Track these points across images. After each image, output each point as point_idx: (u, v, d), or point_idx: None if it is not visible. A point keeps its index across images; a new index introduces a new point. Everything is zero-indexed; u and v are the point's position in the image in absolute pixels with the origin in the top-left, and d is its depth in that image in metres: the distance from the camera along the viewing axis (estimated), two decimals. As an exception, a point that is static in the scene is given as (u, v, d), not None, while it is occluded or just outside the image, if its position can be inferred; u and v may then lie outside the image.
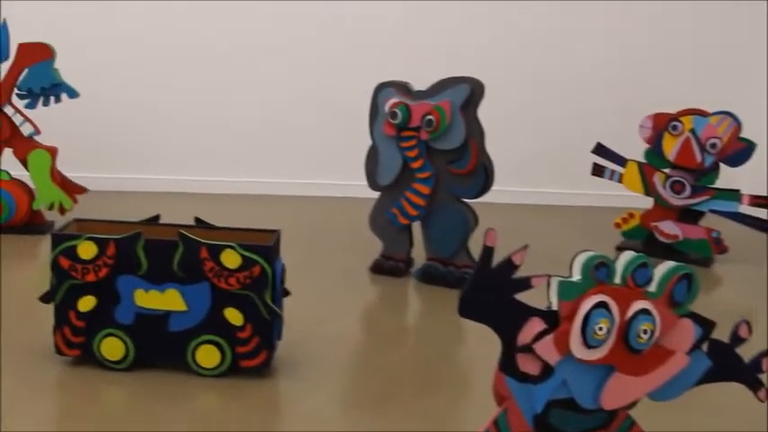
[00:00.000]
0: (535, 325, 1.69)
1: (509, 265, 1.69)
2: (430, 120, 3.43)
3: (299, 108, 5.30)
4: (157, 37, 5.21)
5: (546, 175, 5.43)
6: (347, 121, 4.96)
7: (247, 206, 5.00)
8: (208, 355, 2.55)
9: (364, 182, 3.74)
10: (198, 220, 2.68)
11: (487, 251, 1.68)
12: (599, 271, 1.66)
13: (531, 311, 1.71)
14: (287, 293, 2.70)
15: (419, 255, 3.73)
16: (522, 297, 1.70)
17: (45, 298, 2.60)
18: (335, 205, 5.09)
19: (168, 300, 2.51)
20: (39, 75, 4.09)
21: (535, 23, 5.29)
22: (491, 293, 1.69)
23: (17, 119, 4.14)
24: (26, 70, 4.09)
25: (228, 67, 5.27)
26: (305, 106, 5.30)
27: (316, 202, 5.18)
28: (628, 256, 1.70)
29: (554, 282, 1.70)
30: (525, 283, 1.70)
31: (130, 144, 5.32)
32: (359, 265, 3.81)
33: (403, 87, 3.60)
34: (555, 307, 1.69)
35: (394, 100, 3.54)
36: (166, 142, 5.34)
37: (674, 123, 4.06)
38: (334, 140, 5.26)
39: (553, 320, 1.69)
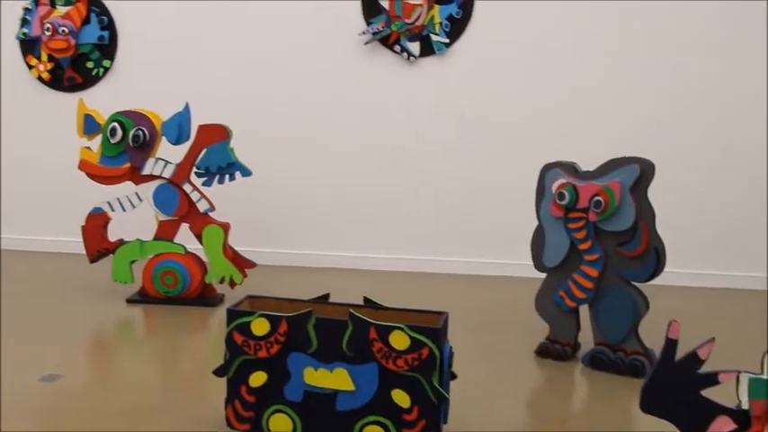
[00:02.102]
0: (724, 424, 1.59)
1: (694, 360, 1.61)
2: (599, 201, 3.36)
3: (465, 187, 5.34)
4: (328, 121, 5.40)
5: (720, 257, 5.20)
6: (514, 201, 4.95)
7: (414, 284, 5.04)
8: (373, 436, 2.54)
9: (530, 262, 3.68)
10: (367, 299, 2.70)
11: (671, 344, 1.61)
12: (795, 370, 1.56)
13: (719, 409, 1.61)
14: (454, 377, 2.67)
15: (586, 339, 3.62)
16: (707, 393, 1.61)
17: (219, 372, 2.66)
18: (501, 285, 5.06)
19: (337, 379, 2.52)
20: (216, 154, 4.28)
21: (703, 107, 5.14)
22: (675, 389, 1.61)
23: (194, 195, 4.34)
24: (204, 150, 4.30)
25: (396, 147, 5.38)
26: (471, 185, 5.33)
27: (481, 281, 5.16)
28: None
29: (744, 378, 1.60)
30: (712, 379, 1.61)
31: (298, 220, 5.48)
32: (524, 348, 3.74)
33: (570, 168, 3.55)
34: (745, 405, 1.59)
35: (561, 181, 3.49)
36: (333, 219, 5.48)
37: None
38: (500, 219, 5.25)
39: (743, 420, 1.59)
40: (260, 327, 2.55)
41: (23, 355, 3.56)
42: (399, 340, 2.44)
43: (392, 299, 2.79)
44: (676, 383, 1.61)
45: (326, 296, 2.75)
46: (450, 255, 5.39)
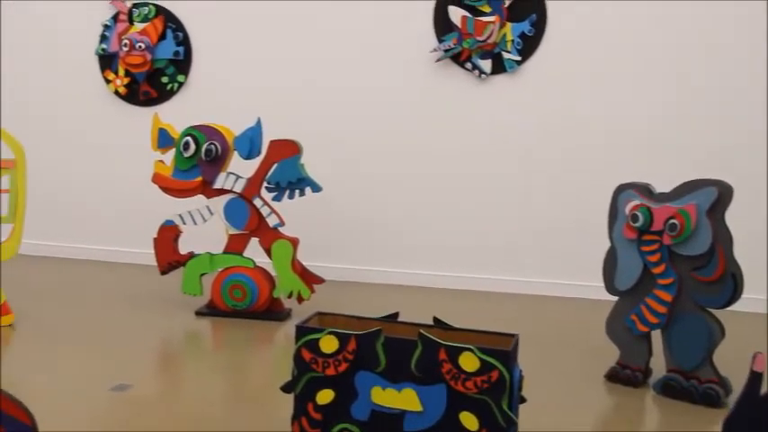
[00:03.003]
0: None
1: (781, 394, 1.55)
2: (674, 224, 3.29)
3: (535, 207, 5.28)
4: (398, 137, 5.41)
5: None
6: (586, 222, 4.88)
7: (482, 304, 5.01)
8: (440, 459, 2.51)
9: (602, 284, 3.61)
10: (436, 319, 2.67)
11: (755, 377, 1.56)
12: None
13: (806, 446, 1.55)
14: (523, 400, 2.62)
15: (658, 365, 3.53)
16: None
17: (286, 388, 2.66)
18: (571, 306, 4.99)
19: (404, 399, 2.50)
20: (287, 170, 4.31)
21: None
22: (760, 424, 1.55)
23: (264, 210, 4.37)
24: (275, 165, 4.33)
25: (466, 165, 5.35)
26: (541, 205, 5.28)
27: (551, 302, 5.10)
28: None
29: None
30: (799, 414, 1.55)
31: (367, 236, 5.49)
32: (594, 372, 3.66)
33: (645, 189, 3.48)
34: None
35: (635, 202, 3.43)
36: (402, 236, 5.47)
37: None
38: (571, 240, 5.18)
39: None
40: (329, 344, 2.55)
41: (95, 363, 3.62)
42: (469, 362, 2.41)
43: (461, 318, 2.76)
44: (761, 419, 1.55)
45: (396, 315, 2.74)
46: (519, 275, 5.33)
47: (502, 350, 2.42)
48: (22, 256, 4.28)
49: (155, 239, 4.51)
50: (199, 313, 4.49)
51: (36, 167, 4.34)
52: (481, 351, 2.41)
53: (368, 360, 2.52)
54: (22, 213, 4.07)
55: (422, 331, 2.48)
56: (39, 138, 5.34)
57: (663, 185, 3.46)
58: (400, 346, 2.50)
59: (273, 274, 4.47)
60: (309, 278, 4.47)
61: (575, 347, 4.11)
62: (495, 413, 2.42)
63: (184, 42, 5.73)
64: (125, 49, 5.69)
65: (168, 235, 4.50)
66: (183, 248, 4.53)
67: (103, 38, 5.82)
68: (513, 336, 2.58)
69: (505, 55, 5.24)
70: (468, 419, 2.45)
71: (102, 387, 3.29)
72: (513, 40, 5.22)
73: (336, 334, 2.54)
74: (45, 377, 3.45)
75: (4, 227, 4.08)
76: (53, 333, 4.09)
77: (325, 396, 2.59)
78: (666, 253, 3.37)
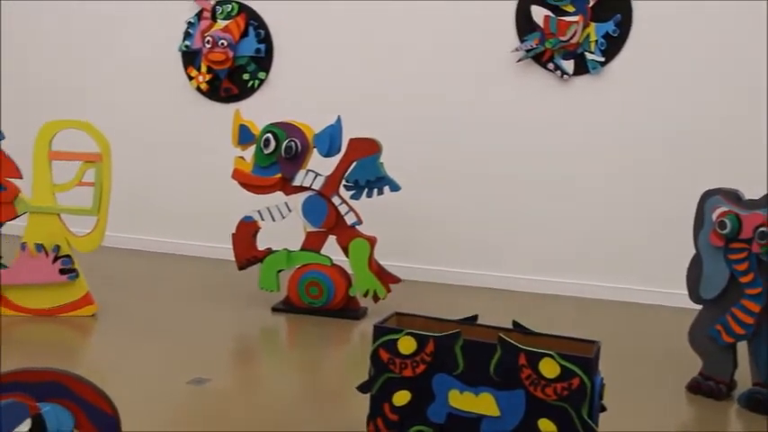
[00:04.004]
0: None
1: None
2: (764, 232, 3.18)
3: (618, 210, 5.17)
4: (478, 138, 5.36)
5: None
6: (670, 228, 4.78)
7: (562, 308, 4.93)
8: (516, 466, 2.47)
9: (685, 292, 3.51)
10: (516, 323, 2.63)
11: None
12: None
13: None
14: (603, 409, 2.57)
15: (743, 378, 3.42)
16: None
17: (363, 388, 2.65)
18: (653, 314, 4.87)
19: (482, 403, 2.47)
20: (366, 168, 4.31)
21: None
22: None
23: (343, 208, 4.38)
24: (354, 163, 4.33)
25: (546, 167, 5.27)
26: (624, 209, 5.16)
27: (632, 308, 4.99)
28: None
29: None
30: None
31: (445, 237, 5.46)
32: (675, 382, 3.56)
33: (733, 195, 3.37)
34: None
35: (723, 209, 3.32)
36: (481, 237, 5.42)
37: None
38: (654, 246, 5.06)
39: None
40: (407, 345, 2.53)
41: (173, 356, 3.67)
42: (549, 368, 2.37)
43: (540, 323, 2.71)
44: None
45: (475, 317, 2.71)
46: (600, 280, 5.22)
47: (583, 357, 2.37)
48: (105, 248, 4.37)
49: (233, 235, 4.56)
50: (275, 309, 4.52)
51: (120, 161, 4.41)
52: (562, 357, 2.36)
53: (446, 362, 2.50)
54: (105, 206, 4.15)
55: (501, 335, 2.45)
56: (123, 132, 5.43)
57: (752, 192, 3.35)
58: (479, 350, 2.47)
59: (350, 272, 4.47)
60: (386, 277, 4.46)
61: (655, 356, 4.01)
62: (575, 421, 2.38)
63: (266, 40, 5.78)
64: (208, 46, 5.76)
65: (247, 231, 4.54)
66: (261, 244, 4.56)
67: (187, 35, 5.91)
68: (594, 343, 2.53)
69: (589, 56, 5.14)
70: (546, 426, 2.41)
71: (180, 380, 3.33)
72: (596, 41, 5.12)
73: (415, 335, 2.53)
74: (124, 368, 3.51)
75: (88, 219, 4.17)
76: (133, 324, 4.17)
77: (401, 397, 2.58)
78: (755, 261, 3.26)
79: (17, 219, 4.16)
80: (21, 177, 4.11)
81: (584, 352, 2.45)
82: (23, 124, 4.59)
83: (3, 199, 4.09)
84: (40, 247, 4.11)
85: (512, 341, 2.42)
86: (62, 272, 4.15)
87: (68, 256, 4.16)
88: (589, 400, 2.38)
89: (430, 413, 2.55)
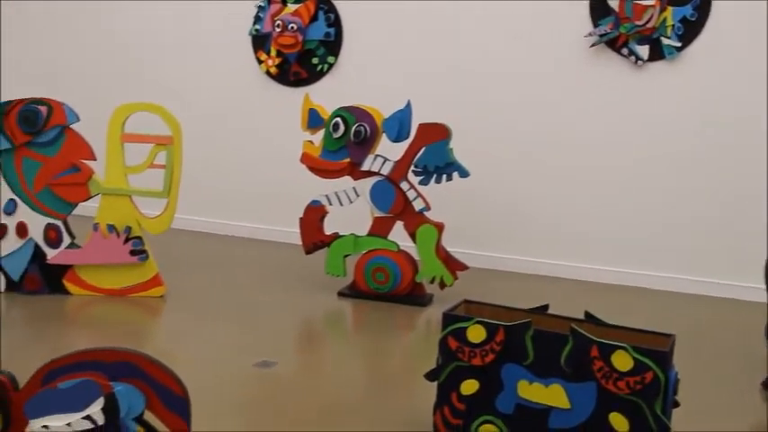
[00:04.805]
0: None
1: None
2: None
3: (693, 200, 5.02)
4: (549, 123, 5.27)
5: None
6: (747, 219, 4.63)
7: (635, 300, 4.82)
8: (587, 459, 2.41)
9: (763, 285, 3.40)
10: (588, 314, 2.57)
11: None
12: None
13: None
14: (676, 405, 2.49)
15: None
16: None
17: (430, 376, 2.63)
18: (727, 307, 4.73)
19: (552, 395, 2.42)
20: (435, 154, 4.27)
21: None
22: None
23: (411, 194, 4.34)
24: (423, 149, 4.29)
25: (620, 154, 5.15)
26: (699, 198, 5.00)
27: (707, 301, 4.85)
28: None
29: None
30: None
31: (515, 224, 5.37)
32: (750, 378, 3.46)
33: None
34: None
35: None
36: (552, 225, 5.32)
37: None
38: (731, 237, 4.89)
39: None
40: (476, 333, 2.50)
41: (240, 338, 3.70)
42: (622, 361, 2.31)
43: (611, 314, 2.65)
44: None
45: (545, 307, 2.66)
46: (675, 271, 5.08)
47: (658, 350, 2.31)
48: (174, 230, 4.42)
49: (301, 219, 4.56)
50: (341, 294, 4.52)
51: (190, 144, 4.45)
52: (636, 350, 2.30)
53: (516, 352, 2.46)
54: (176, 189, 4.20)
55: (573, 326, 2.39)
56: (193, 115, 5.47)
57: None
58: (550, 340, 2.42)
59: (417, 258, 4.44)
60: (453, 264, 4.42)
61: (730, 351, 3.89)
62: (648, 416, 2.32)
63: (335, 24, 5.76)
64: (278, 29, 5.77)
65: (314, 215, 4.54)
66: (328, 229, 4.56)
67: (257, 19, 5.92)
68: (669, 336, 2.46)
69: (665, 41, 5.00)
70: (617, 421, 2.36)
71: (246, 362, 3.35)
72: (673, 25, 4.98)
73: (484, 324, 2.49)
74: (192, 349, 3.55)
75: (158, 201, 4.22)
76: (201, 306, 4.21)
77: (469, 386, 2.55)
78: (838, 256, 3.15)
79: (90, 200, 4.23)
80: (94, 159, 4.18)
81: (659, 345, 2.38)
82: (98, 107, 4.65)
83: (76, 180, 4.16)
84: (111, 228, 4.17)
85: (584, 332, 2.37)
86: (132, 253, 4.21)
87: (139, 237, 4.22)
88: (663, 395, 2.32)
89: (498, 403, 2.51)
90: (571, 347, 2.38)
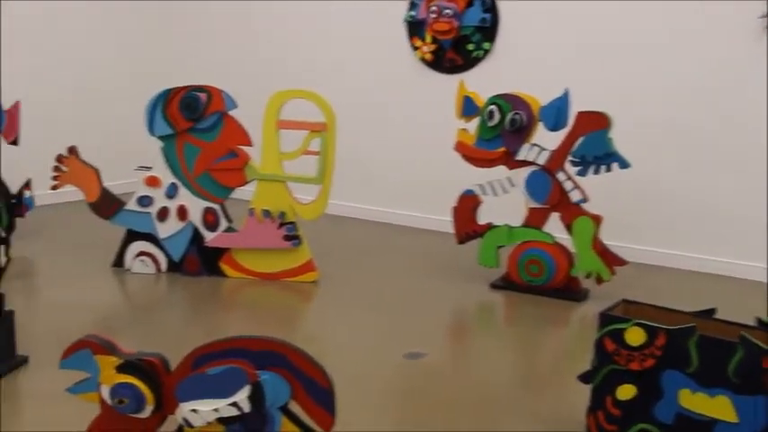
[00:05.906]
0: None
1: None
2: None
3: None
4: (719, 114, 4.97)
5: None
6: None
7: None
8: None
9: None
10: (760, 321, 2.39)
11: None
12: None
13: None
14: None
15: None
16: None
17: (585, 378, 2.51)
18: None
19: (717, 407, 2.25)
20: (594, 143, 4.09)
21: None
22: None
23: (568, 185, 4.20)
24: (582, 138, 4.13)
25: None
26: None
27: None
28: None
29: None
30: None
31: (678, 218, 5.08)
32: None
33: None
34: None
35: None
36: (720, 219, 4.99)
37: None
38: None
39: None
40: (635, 336, 2.36)
41: (390, 328, 3.68)
42: (799, 375, 2.12)
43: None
44: None
45: (712, 311, 2.48)
46: None
47: (841, 365, 2.10)
48: (328, 216, 4.45)
49: (454, 208, 4.49)
50: (494, 286, 4.43)
51: (344, 131, 4.46)
52: (816, 363, 2.11)
53: (678, 358, 2.31)
54: (329, 175, 4.22)
55: (743, 333, 2.22)
56: (348, 102, 5.48)
57: None
58: (717, 348, 2.25)
59: (572, 251, 4.29)
60: (611, 259, 4.24)
61: None
62: (827, 436, 2.12)
63: (492, 9, 5.64)
64: (433, 15, 5.70)
65: (468, 204, 4.46)
66: (482, 219, 4.47)
67: (413, 5, 5.87)
68: None
69: None
70: (791, 439, 2.17)
71: (396, 353, 3.32)
72: None
73: (645, 326, 2.35)
74: (341, 336, 3.56)
75: (312, 187, 4.25)
76: (352, 293, 4.22)
77: (626, 391, 2.42)
78: None
79: (246, 185, 4.31)
80: (251, 145, 4.26)
81: (841, 358, 2.17)
82: (255, 94, 4.73)
83: (234, 165, 4.25)
84: (266, 213, 4.24)
85: (755, 341, 2.19)
86: (286, 238, 4.26)
87: (293, 222, 4.27)
88: (844, 414, 2.12)
89: (657, 411, 2.37)
90: (741, 357, 2.20)
